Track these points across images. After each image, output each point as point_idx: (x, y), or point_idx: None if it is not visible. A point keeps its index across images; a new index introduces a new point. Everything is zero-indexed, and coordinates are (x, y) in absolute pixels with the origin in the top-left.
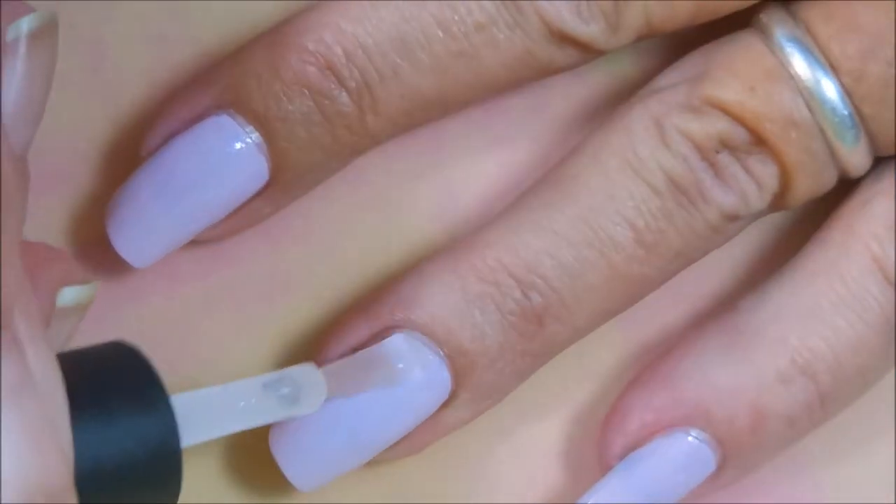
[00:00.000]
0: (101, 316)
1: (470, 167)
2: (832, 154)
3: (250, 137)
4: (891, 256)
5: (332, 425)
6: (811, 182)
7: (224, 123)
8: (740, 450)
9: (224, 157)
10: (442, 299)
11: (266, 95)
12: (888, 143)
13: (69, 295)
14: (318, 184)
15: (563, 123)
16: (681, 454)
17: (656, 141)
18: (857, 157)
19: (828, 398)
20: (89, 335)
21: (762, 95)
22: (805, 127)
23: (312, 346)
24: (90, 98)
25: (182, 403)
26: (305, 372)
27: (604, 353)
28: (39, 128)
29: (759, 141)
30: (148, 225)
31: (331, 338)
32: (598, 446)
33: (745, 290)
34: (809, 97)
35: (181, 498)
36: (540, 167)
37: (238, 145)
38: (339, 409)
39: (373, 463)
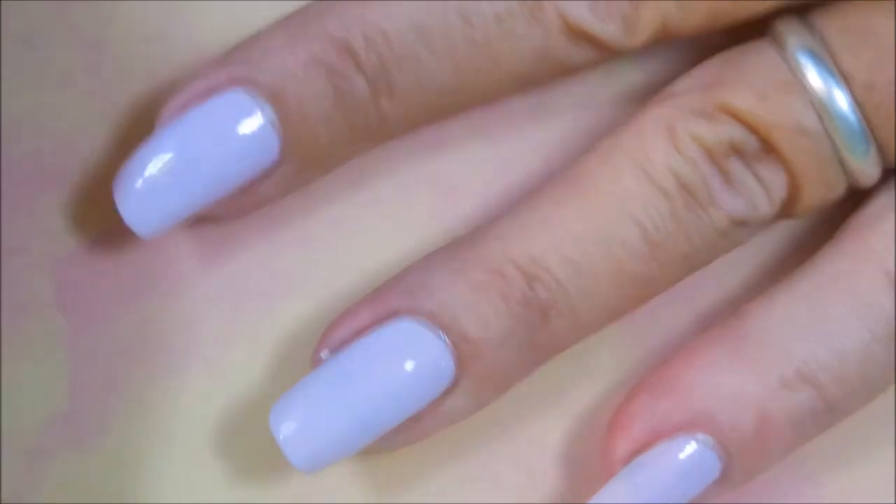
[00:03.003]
0: (101, 316)
1: (470, 168)
2: (842, 165)
3: (264, 114)
4: (888, 256)
5: (333, 406)
6: (820, 191)
7: (238, 98)
8: (745, 455)
9: (236, 131)
10: (448, 287)
11: (282, 73)
12: None
13: None
14: (328, 170)
15: (563, 125)
16: (685, 459)
17: (668, 144)
18: (866, 168)
19: (834, 406)
20: (90, 335)
21: (773, 104)
22: (815, 137)
23: (312, 345)
24: (90, 98)
25: None
26: None
27: (604, 351)
28: (39, 128)
29: (770, 149)
30: (155, 195)
31: (335, 322)
32: (602, 450)
33: (748, 291)
34: (821, 108)
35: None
36: (540, 168)
37: (250, 120)
38: (341, 389)
39: (372, 459)
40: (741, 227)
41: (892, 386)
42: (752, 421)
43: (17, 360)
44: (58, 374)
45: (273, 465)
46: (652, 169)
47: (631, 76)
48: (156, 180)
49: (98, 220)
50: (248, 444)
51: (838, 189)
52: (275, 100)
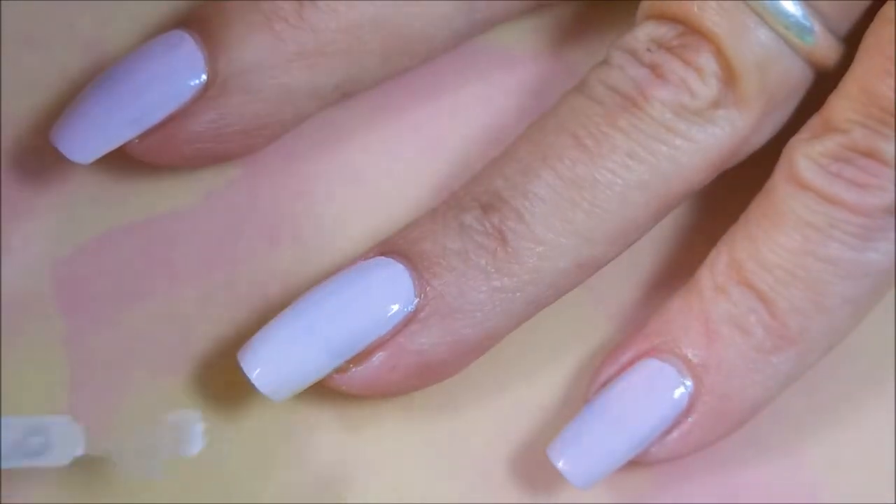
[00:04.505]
0: (102, 316)
1: (470, 167)
2: (792, 48)
3: (190, 37)
4: (798, 161)
5: (291, 323)
6: (751, 55)
7: (169, 34)
8: (705, 367)
9: (159, 53)
10: (413, 225)
11: (207, 5)
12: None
13: None
14: (267, 102)
15: None
16: (641, 376)
17: (599, 64)
18: (821, 51)
19: (773, 305)
20: (90, 335)
21: None
22: (730, 5)
23: None
24: None
25: None
26: (61, 424)
27: (600, 350)
28: (39, 127)
29: (685, 29)
30: (80, 113)
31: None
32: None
33: None
34: (763, 11)
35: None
36: None
37: (176, 39)
38: (296, 312)
39: (370, 459)
40: (690, 120)
41: (890, 379)
42: (699, 325)
43: (17, 360)
44: (58, 374)
45: (274, 464)
46: (584, 86)
47: None
48: (83, 103)
49: (98, 220)
50: (248, 443)
51: (791, 70)
52: (199, 24)
